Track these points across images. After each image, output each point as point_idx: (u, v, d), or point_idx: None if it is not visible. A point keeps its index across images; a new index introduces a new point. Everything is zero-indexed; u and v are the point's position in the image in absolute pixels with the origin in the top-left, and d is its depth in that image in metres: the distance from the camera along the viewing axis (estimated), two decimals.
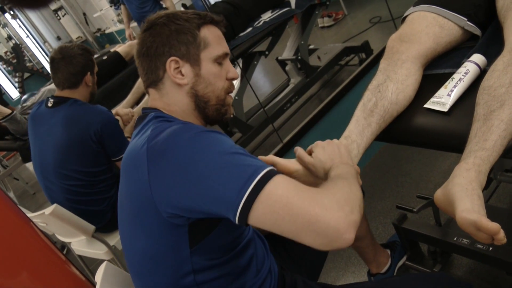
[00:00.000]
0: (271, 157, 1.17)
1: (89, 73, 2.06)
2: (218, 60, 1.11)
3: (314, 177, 1.14)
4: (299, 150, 1.17)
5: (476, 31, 1.37)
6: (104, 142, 2.00)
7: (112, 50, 3.48)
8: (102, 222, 2.08)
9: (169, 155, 0.91)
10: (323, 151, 1.12)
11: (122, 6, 4.77)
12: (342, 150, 1.12)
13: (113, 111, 2.36)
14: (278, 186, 0.84)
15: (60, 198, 2.06)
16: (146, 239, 1.00)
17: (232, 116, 2.79)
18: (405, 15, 1.46)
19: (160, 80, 1.10)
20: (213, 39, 1.11)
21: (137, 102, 2.72)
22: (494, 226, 0.86)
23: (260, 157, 1.16)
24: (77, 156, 2.01)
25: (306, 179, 1.16)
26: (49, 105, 2.08)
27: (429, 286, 1.13)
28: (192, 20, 1.09)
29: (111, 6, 6.73)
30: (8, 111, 2.98)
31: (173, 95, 1.10)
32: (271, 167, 0.87)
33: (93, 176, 2.05)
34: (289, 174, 1.14)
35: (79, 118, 2.01)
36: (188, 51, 1.08)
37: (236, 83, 3.00)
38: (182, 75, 1.08)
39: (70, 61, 2.02)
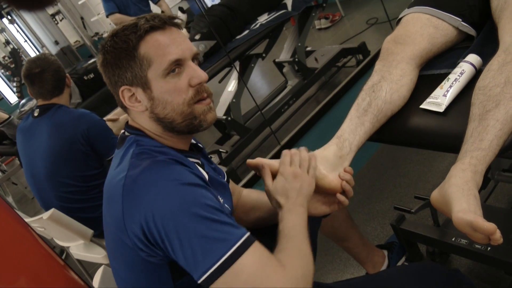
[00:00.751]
0: (258, 160, 1.17)
1: (66, 74, 2.09)
2: (169, 73, 1.00)
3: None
4: (265, 169, 1.15)
5: (471, 31, 1.38)
6: (94, 143, 2.01)
7: None
8: (99, 229, 2.07)
9: (144, 200, 0.89)
10: (284, 184, 1.10)
11: (112, 16, 4.27)
12: (304, 190, 1.10)
13: (110, 116, 2.36)
14: (245, 267, 0.85)
15: (55, 207, 2.06)
16: (126, 271, 1.00)
17: (229, 118, 2.81)
18: (400, 17, 1.47)
19: (125, 107, 1.06)
20: (154, 52, 0.99)
21: None
22: (490, 226, 0.86)
23: (249, 160, 1.17)
24: (68, 161, 2.02)
25: None
26: (35, 115, 2.10)
27: (418, 275, 1.13)
28: (129, 38, 0.99)
29: None
30: (5, 116, 2.99)
31: (140, 120, 1.06)
32: (244, 238, 0.87)
33: (85, 182, 2.05)
34: (275, 172, 1.15)
35: (64, 123, 2.02)
36: (135, 76, 1.00)
37: (233, 85, 3.00)
38: (139, 101, 1.02)
39: (52, 69, 2.04)
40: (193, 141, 1.20)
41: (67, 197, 2.06)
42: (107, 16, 4.20)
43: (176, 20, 1.04)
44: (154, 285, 0.97)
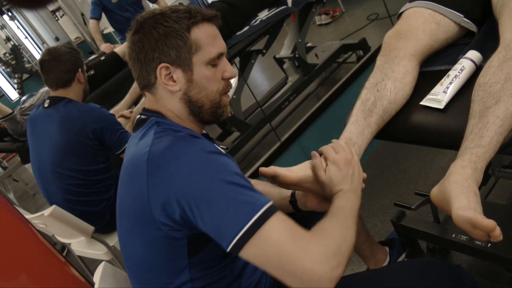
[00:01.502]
0: (272, 169, 1.16)
1: (80, 69, 2.09)
2: (212, 62, 1.05)
3: (317, 186, 1.14)
4: (316, 160, 1.13)
5: (472, 27, 1.37)
6: (104, 138, 2.01)
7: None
8: (101, 223, 2.08)
9: (170, 171, 0.90)
10: (338, 172, 1.09)
11: (92, 21, 4.28)
12: (356, 174, 1.10)
13: (113, 111, 2.37)
14: (273, 231, 0.86)
15: (58, 199, 2.07)
16: (143, 248, 1.00)
17: (230, 114, 2.81)
18: (401, 11, 1.46)
19: (153, 85, 1.06)
20: (205, 40, 1.04)
21: (135, 102, 2.73)
22: (490, 223, 0.86)
23: (262, 168, 1.16)
24: (74, 155, 2.02)
25: (309, 186, 1.16)
26: (45, 105, 2.10)
27: (420, 271, 1.13)
28: (182, 21, 1.01)
29: None
30: (9, 110, 3.00)
31: (167, 100, 1.07)
32: (269, 204, 0.88)
33: (90, 175, 2.06)
34: (291, 183, 1.15)
35: (74, 117, 2.02)
36: (179, 56, 1.02)
37: (233, 82, 3.00)
38: (174, 81, 1.03)
39: (60, 59, 2.05)
40: (204, 131, 1.22)
41: (70, 189, 2.07)
42: (90, 19, 4.22)
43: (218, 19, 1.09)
44: (169, 261, 0.99)
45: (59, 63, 2.05)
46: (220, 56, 1.07)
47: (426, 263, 1.18)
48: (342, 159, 1.10)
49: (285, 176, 1.15)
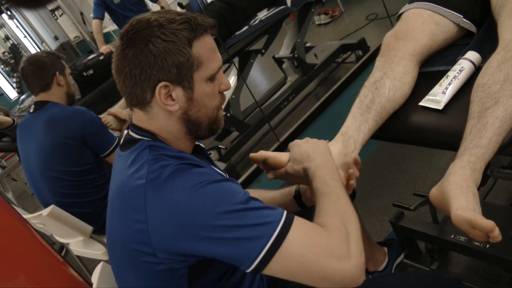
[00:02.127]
0: (262, 153, 1.16)
1: (57, 72, 2.10)
2: (212, 78, 0.98)
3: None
4: (270, 156, 1.15)
5: (472, 28, 1.37)
6: (88, 141, 2.02)
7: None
8: (98, 224, 2.07)
9: (175, 209, 0.86)
10: (299, 149, 1.11)
11: (96, 21, 4.17)
12: (321, 145, 1.10)
13: (112, 109, 2.37)
14: (293, 245, 0.85)
15: (51, 202, 2.07)
16: (139, 280, 0.96)
17: (229, 114, 2.81)
18: (400, 12, 1.46)
19: (148, 104, 0.97)
20: (206, 55, 0.96)
21: None
22: (489, 224, 0.86)
23: (252, 154, 1.16)
24: (60, 156, 2.03)
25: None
26: (31, 111, 2.13)
27: (417, 284, 1.13)
28: (182, 34, 0.92)
29: None
30: (9, 120, 3.04)
31: (162, 120, 0.99)
32: (283, 218, 0.87)
33: (79, 176, 2.06)
34: (281, 166, 1.14)
35: (58, 120, 2.04)
36: (180, 74, 0.93)
37: (232, 81, 2.99)
38: (173, 100, 0.95)
39: (36, 64, 2.08)
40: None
41: (61, 192, 2.07)
42: (93, 18, 4.19)
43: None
44: None
45: (36, 68, 2.08)
46: (219, 69, 1.01)
47: (425, 275, 1.18)
48: (301, 140, 1.13)
49: (275, 158, 1.14)
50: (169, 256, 0.88)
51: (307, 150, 1.09)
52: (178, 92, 0.95)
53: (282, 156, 1.15)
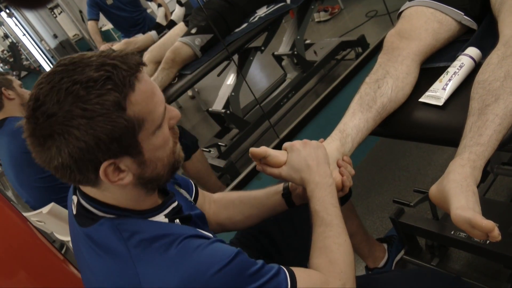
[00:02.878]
0: (263, 149, 1.12)
1: (3, 88, 2.13)
2: (160, 126, 0.82)
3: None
4: (270, 154, 1.11)
5: (473, 25, 1.36)
6: None
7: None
8: None
9: None
10: (297, 155, 1.09)
11: (91, 23, 4.23)
12: (320, 153, 1.09)
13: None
14: None
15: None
16: None
17: (228, 112, 2.80)
18: (401, 9, 1.45)
19: (95, 182, 0.81)
20: (146, 107, 0.78)
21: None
22: (488, 224, 0.86)
23: (252, 149, 1.13)
24: (29, 166, 2.04)
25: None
26: None
27: (417, 281, 1.13)
28: (108, 100, 0.73)
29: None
30: None
31: (116, 192, 0.84)
32: (288, 280, 0.86)
33: (54, 180, 2.06)
34: (278, 166, 1.12)
35: (15, 132, 2.06)
36: (122, 146, 0.76)
37: (232, 79, 2.99)
38: (123, 171, 0.80)
39: None
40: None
41: (43, 199, 2.10)
42: (88, 20, 4.19)
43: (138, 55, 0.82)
44: None
45: None
46: (164, 113, 0.84)
47: (426, 273, 1.17)
48: (299, 143, 1.11)
49: (275, 157, 1.12)
50: None
51: (306, 159, 1.08)
52: (126, 162, 0.79)
53: (281, 156, 1.13)
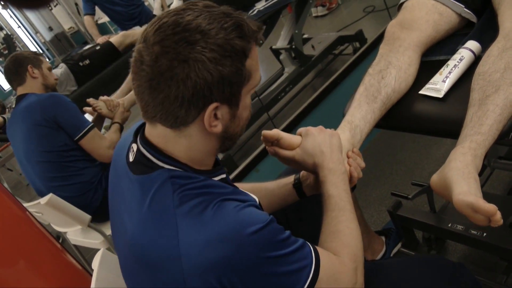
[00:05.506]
0: (276, 132, 1.11)
1: (29, 66, 2.22)
2: (255, 86, 0.88)
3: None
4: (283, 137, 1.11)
5: (473, 18, 1.38)
6: (61, 123, 2.10)
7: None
8: (88, 210, 2.06)
9: (214, 261, 0.78)
10: (312, 140, 1.08)
11: (87, 17, 4.18)
12: (334, 140, 1.09)
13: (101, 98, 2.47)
14: (321, 284, 0.88)
15: (43, 189, 2.16)
16: None
17: None
18: (402, 1, 1.45)
19: (186, 125, 0.84)
20: (255, 65, 0.85)
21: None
22: (491, 207, 0.87)
23: (265, 131, 1.12)
24: (38, 139, 2.12)
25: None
26: (13, 106, 2.26)
27: (420, 267, 1.14)
28: (237, 45, 0.80)
29: None
30: (1, 120, 3.12)
31: (196, 140, 0.86)
32: (313, 256, 0.88)
33: (59, 157, 2.13)
34: (291, 149, 1.11)
35: (33, 106, 2.12)
36: (232, 92, 0.82)
37: None
38: (217, 119, 0.84)
39: (11, 61, 2.25)
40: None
41: (47, 176, 2.15)
42: (84, 15, 4.20)
43: None
44: None
45: (11, 65, 2.24)
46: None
47: (428, 258, 1.18)
48: (314, 129, 1.11)
49: (288, 139, 1.11)
50: None
51: (320, 144, 1.08)
52: (223, 111, 0.84)
53: (294, 139, 1.12)
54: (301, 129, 1.14)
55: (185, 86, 0.77)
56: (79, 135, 2.12)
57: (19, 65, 2.21)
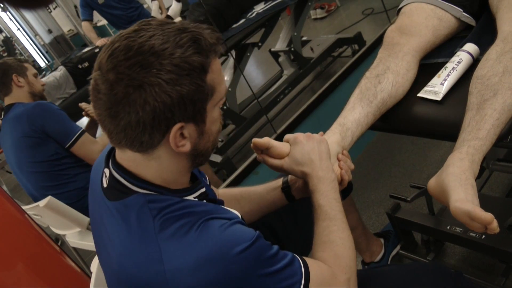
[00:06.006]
0: (267, 140, 1.11)
1: (14, 75, 2.16)
2: (221, 99, 0.86)
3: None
4: (273, 145, 1.11)
5: (472, 22, 1.38)
6: (49, 131, 2.08)
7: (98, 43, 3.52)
8: (88, 214, 2.06)
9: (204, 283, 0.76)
10: (301, 148, 1.08)
11: (85, 23, 4.18)
12: (323, 147, 1.08)
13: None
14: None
15: (39, 197, 2.14)
16: None
17: (225, 107, 2.81)
18: (401, 5, 1.45)
19: (153, 148, 0.82)
20: (218, 78, 0.82)
21: None
22: (487, 216, 0.87)
23: (255, 139, 1.12)
24: (28, 150, 2.10)
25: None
26: (1, 117, 2.23)
27: (419, 276, 1.13)
28: (194, 61, 0.77)
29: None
30: None
31: (165, 161, 0.85)
32: (302, 270, 0.87)
33: (51, 167, 2.13)
34: (280, 157, 1.11)
35: (18, 117, 2.10)
36: (195, 110, 0.80)
37: (229, 74, 3.00)
38: (184, 138, 0.82)
39: None
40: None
41: (42, 185, 2.15)
42: (81, 21, 4.19)
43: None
44: None
45: None
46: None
47: (426, 268, 1.17)
48: (303, 136, 1.10)
49: (278, 148, 1.11)
50: None
51: (309, 152, 1.07)
52: (190, 129, 0.82)
53: (284, 148, 1.12)
54: (288, 136, 1.13)
55: (144, 112, 0.75)
56: (69, 142, 2.11)
57: (4, 74, 2.16)
